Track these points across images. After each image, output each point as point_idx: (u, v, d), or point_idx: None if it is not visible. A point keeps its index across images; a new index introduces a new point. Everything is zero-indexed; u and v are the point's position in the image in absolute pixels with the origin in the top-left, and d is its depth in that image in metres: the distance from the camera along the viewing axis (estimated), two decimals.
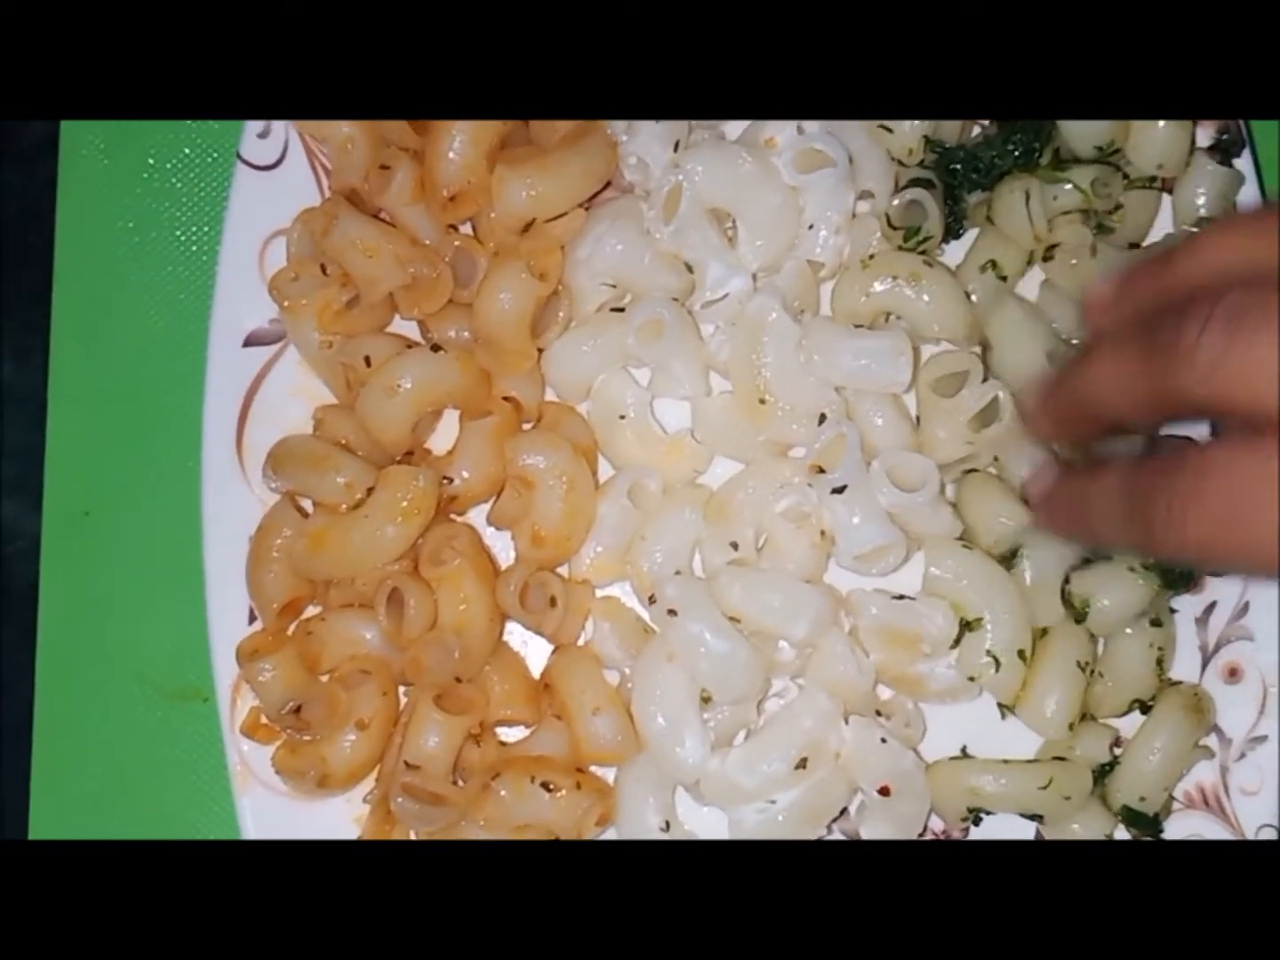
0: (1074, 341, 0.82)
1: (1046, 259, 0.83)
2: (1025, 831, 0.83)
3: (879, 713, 0.82)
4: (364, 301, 0.82)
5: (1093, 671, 0.81)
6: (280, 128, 0.85)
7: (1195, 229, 0.83)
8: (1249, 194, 0.84)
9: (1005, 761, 0.82)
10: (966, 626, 0.80)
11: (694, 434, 0.84)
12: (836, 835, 0.83)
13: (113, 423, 0.90)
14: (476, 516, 0.85)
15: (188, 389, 0.87)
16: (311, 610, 0.85)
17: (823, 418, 0.81)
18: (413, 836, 0.82)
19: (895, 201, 0.83)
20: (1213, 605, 0.84)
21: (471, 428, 0.83)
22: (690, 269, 0.83)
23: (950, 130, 0.84)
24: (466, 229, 0.85)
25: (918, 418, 0.83)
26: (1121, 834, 0.82)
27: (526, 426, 0.85)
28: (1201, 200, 0.83)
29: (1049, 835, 0.83)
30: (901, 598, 0.81)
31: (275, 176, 0.85)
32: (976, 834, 0.83)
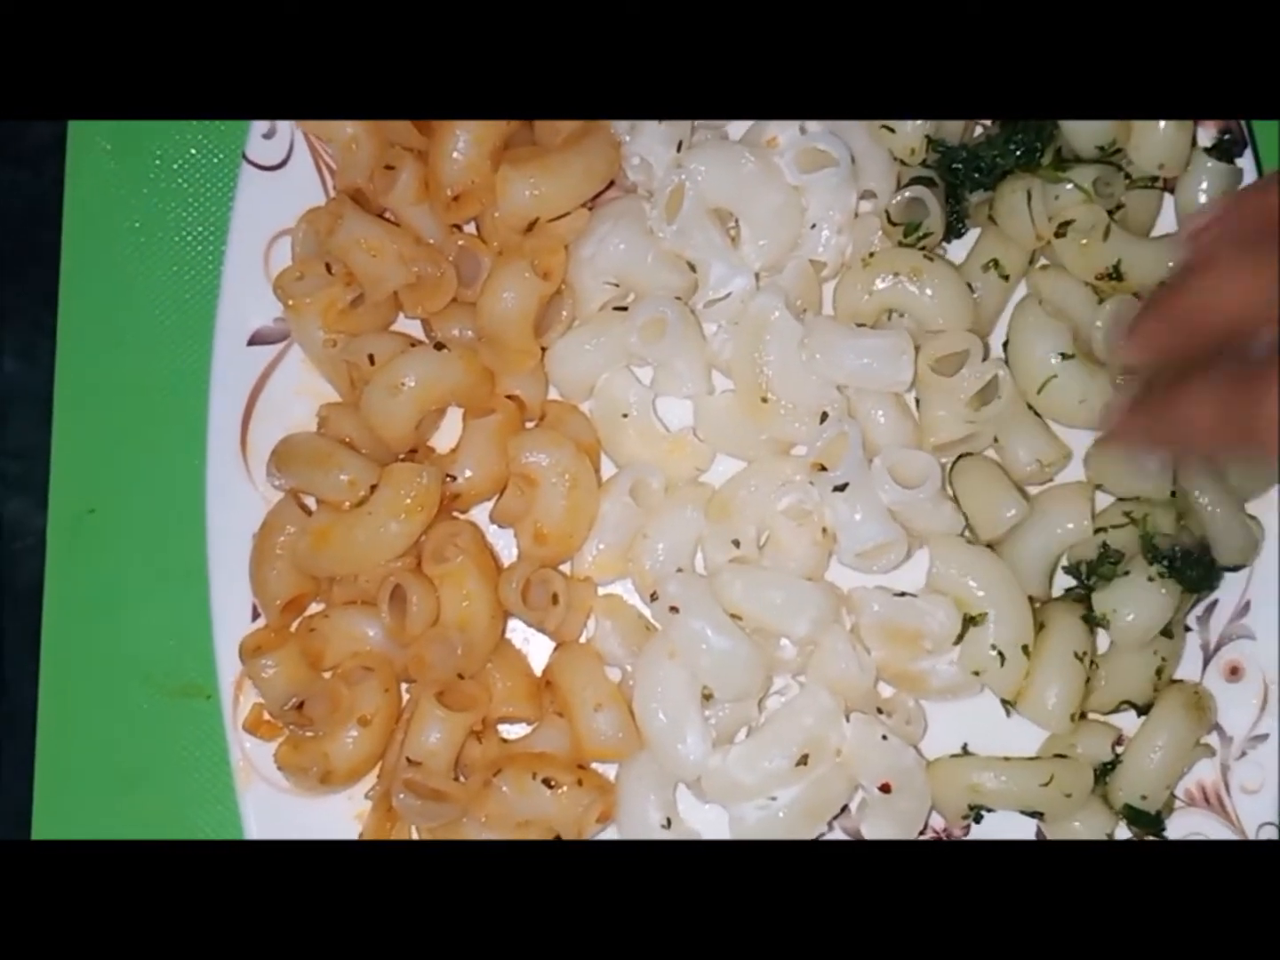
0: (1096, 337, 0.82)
1: (1058, 235, 0.82)
2: (1026, 829, 0.83)
3: (880, 710, 0.82)
4: (368, 300, 0.83)
5: (1091, 662, 0.81)
6: (285, 128, 0.86)
7: None
8: None
9: (1006, 759, 0.82)
10: (970, 621, 0.80)
11: (696, 432, 0.85)
12: (837, 832, 0.83)
13: (118, 420, 0.91)
14: (479, 514, 0.86)
15: (193, 387, 0.88)
16: (314, 607, 0.85)
17: (824, 416, 0.81)
18: (414, 833, 0.82)
19: (896, 198, 0.83)
20: (1214, 604, 0.84)
21: (475, 426, 0.83)
22: (693, 268, 0.83)
23: (953, 130, 0.84)
24: (470, 228, 0.86)
25: (917, 400, 0.83)
26: (1123, 832, 0.82)
27: (529, 425, 0.85)
28: (1203, 199, 0.83)
29: (1050, 833, 0.83)
30: (903, 595, 0.82)
31: (280, 176, 0.86)
32: (977, 831, 0.83)
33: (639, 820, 0.81)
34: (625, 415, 0.84)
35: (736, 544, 0.82)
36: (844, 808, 0.82)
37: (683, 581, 0.81)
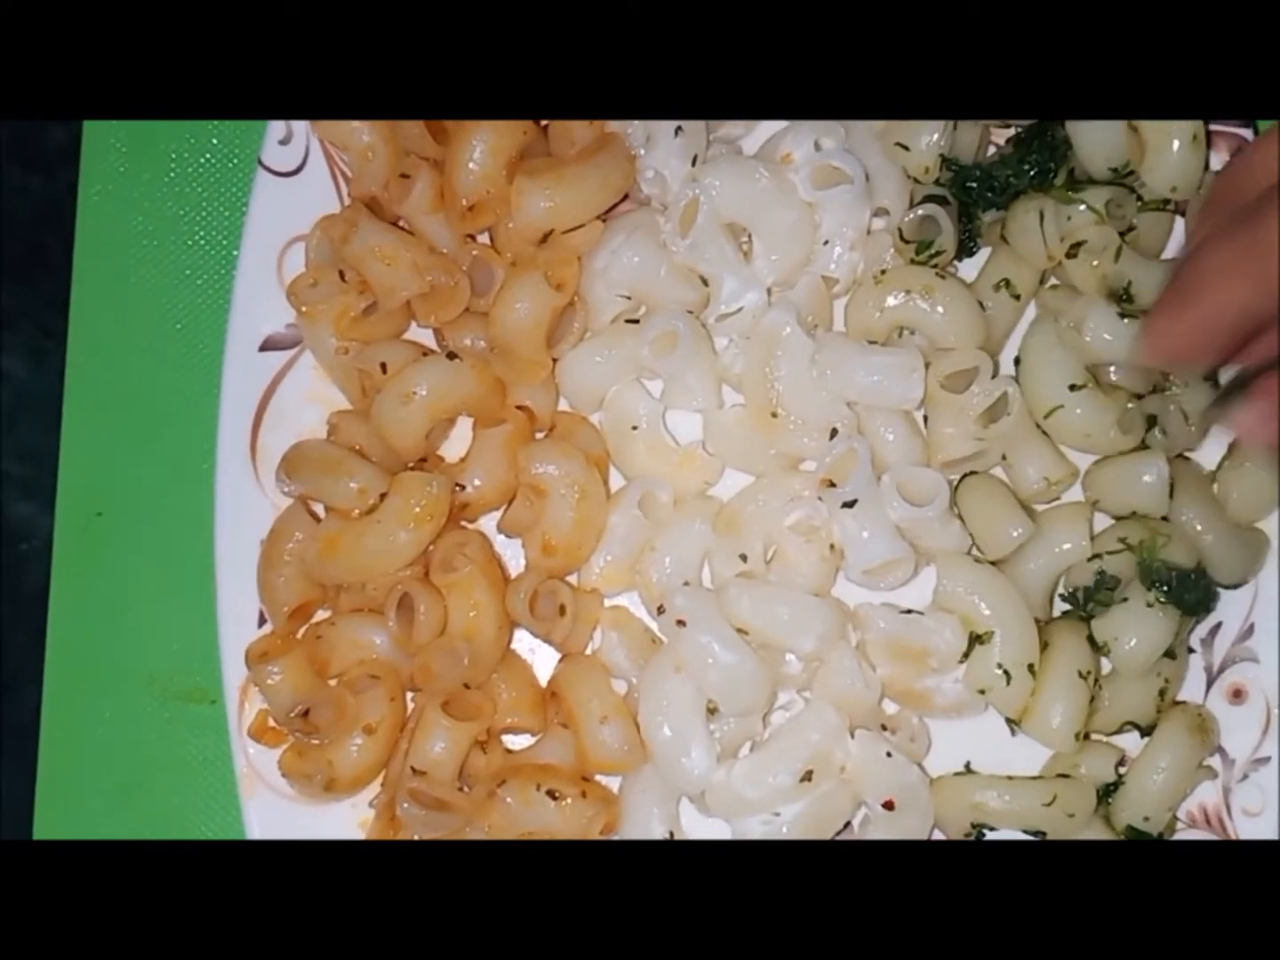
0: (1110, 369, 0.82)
1: (1070, 256, 0.83)
2: None
3: (884, 727, 0.82)
4: (381, 308, 0.83)
5: (1095, 681, 0.81)
6: (301, 135, 0.86)
7: None
8: None
9: (1009, 778, 0.82)
10: (977, 640, 0.80)
11: (706, 446, 0.85)
12: None
13: (127, 424, 0.91)
14: (487, 524, 0.86)
15: (203, 392, 0.88)
16: (321, 614, 0.85)
17: (834, 432, 0.82)
18: None
19: (909, 216, 0.83)
20: (1218, 627, 0.85)
21: (485, 436, 0.83)
22: (705, 282, 0.83)
23: (967, 148, 0.85)
24: (484, 238, 0.86)
25: (925, 416, 0.83)
26: None
27: (539, 435, 0.85)
28: None
29: None
30: (909, 612, 0.82)
31: (296, 183, 0.86)
32: None
33: (642, 833, 0.81)
34: (635, 427, 0.85)
35: (744, 558, 0.82)
36: (847, 824, 0.82)
37: (690, 595, 0.81)
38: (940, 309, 0.82)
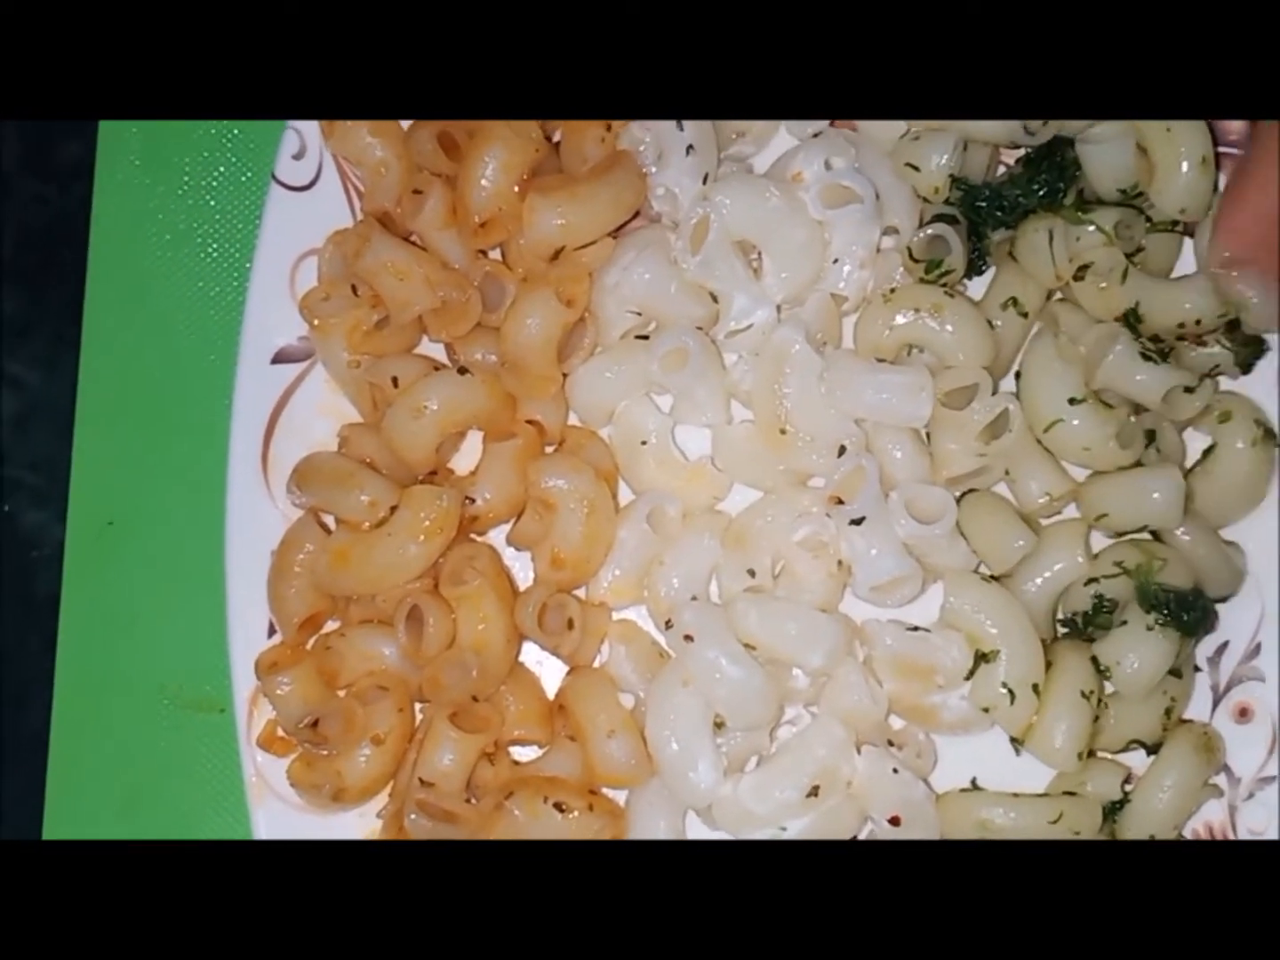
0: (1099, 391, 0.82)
1: (1077, 278, 0.83)
2: None
3: (891, 743, 0.83)
4: (393, 323, 0.84)
5: (1100, 701, 0.82)
6: (315, 149, 0.87)
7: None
8: None
9: (1015, 795, 0.82)
10: (982, 658, 0.81)
11: (714, 461, 0.85)
12: None
13: (139, 434, 0.92)
14: (496, 536, 0.86)
15: (215, 403, 0.89)
16: (331, 625, 0.86)
17: (842, 449, 0.82)
18: None
19: (918, 235, 0.84)
20: (1225, 645, 0.85)
21: (495, 449, 0.84)
22: (716, 299, 0.84)
23: (976, 169, 0.85)
24: (496, 254, 0.86)
25: (928, 433, 0.84)
26: None
27: (549, 450, 0.86)
28: None
29: None
30: (916, 629, 0.82)
31: (309, 197, 0.87)
32: None
33: None
34: (644, 442, 0.85)
35: (752, 573, 0.83)
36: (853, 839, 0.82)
37: (698, 610, 0.81)
38: (949, 327, 0.82)
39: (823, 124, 0.86)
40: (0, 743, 0.91)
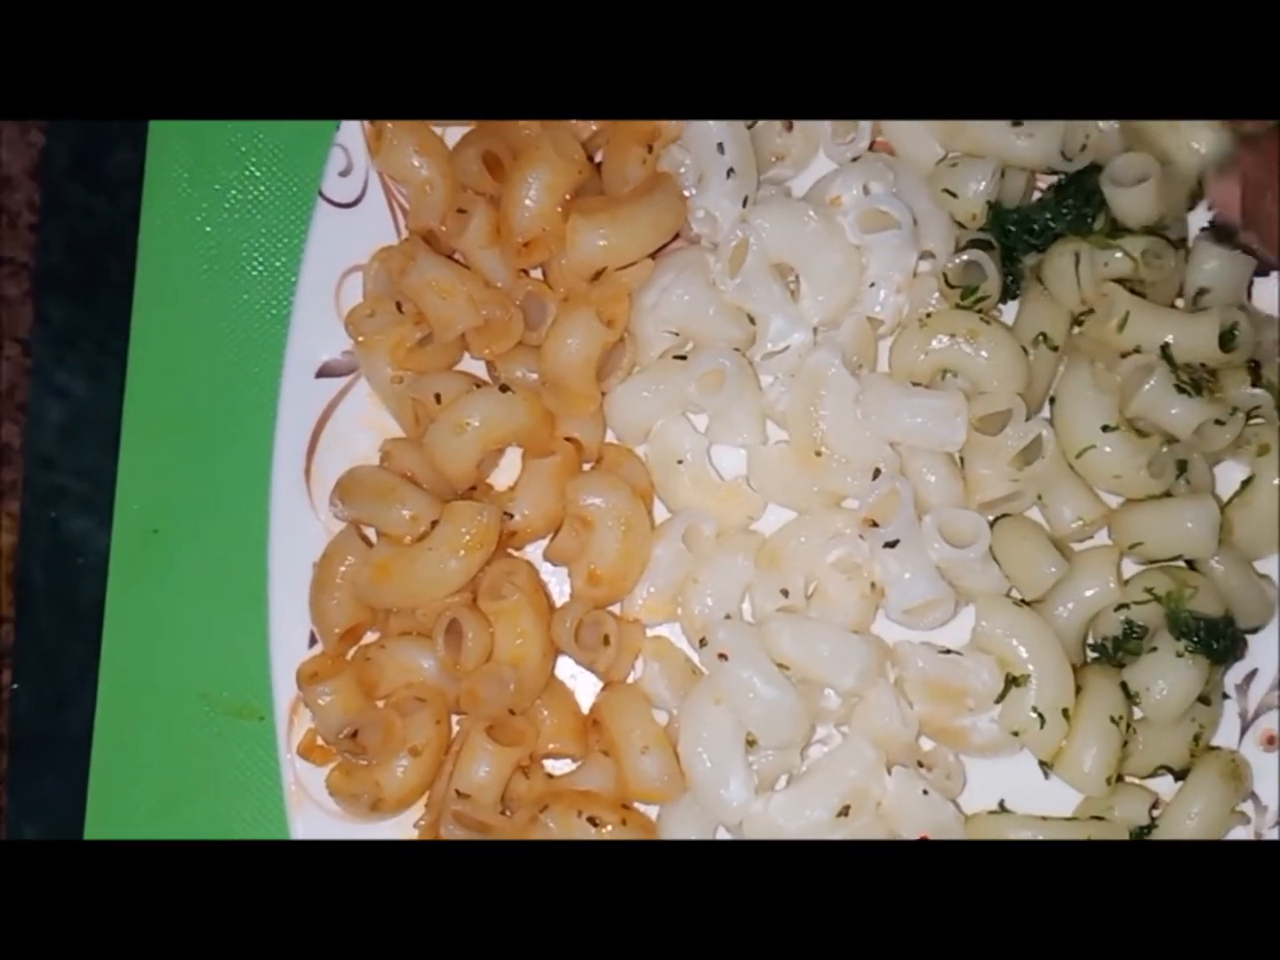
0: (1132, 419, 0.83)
1: (1078, 323, 0.85)
2: None
3: (921, 764, 0.84)
4: (437, 340, 0.85)
5: (1129, 727, 0.82)
6: (361, 167, 0.88)
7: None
8: None
9: (1043, 818, 0.83)
10: (1013, 682, 0.81)
11: (749, 481, 0.86)
12: None
13: (185, 444, 0.93)
14: (534, 552, 0.88)
15: (259, 415, 0.90)
16: (371, 637, 0.87)
17: (877, 472, 0.83)
18: None
19: (954, 261, 0.84)
20: (1254, 673, 0.86)
21: (534, 466, 0.85)
22: (753, 320, 0.85)
23: (1012, 195, 0.86)
24: (538, 274, 0.88)
25: (961, 458, 0.84)
26: None
27: (587, 467, 0.87)
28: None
29: None
30: (948, 652, 0.83)
31: (354, 214, 0.88)
32: None
33: None
34: (680, 461, 0.86)
35: (785, 593, 0.83)
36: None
37: (732, 629, 0.82)
38: (984, 353, 0.83)
39: (861, 148, 0.87)
40: (43, 746, 0.93)
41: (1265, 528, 0.84)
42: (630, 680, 0.86)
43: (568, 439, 0.86)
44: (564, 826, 0.81)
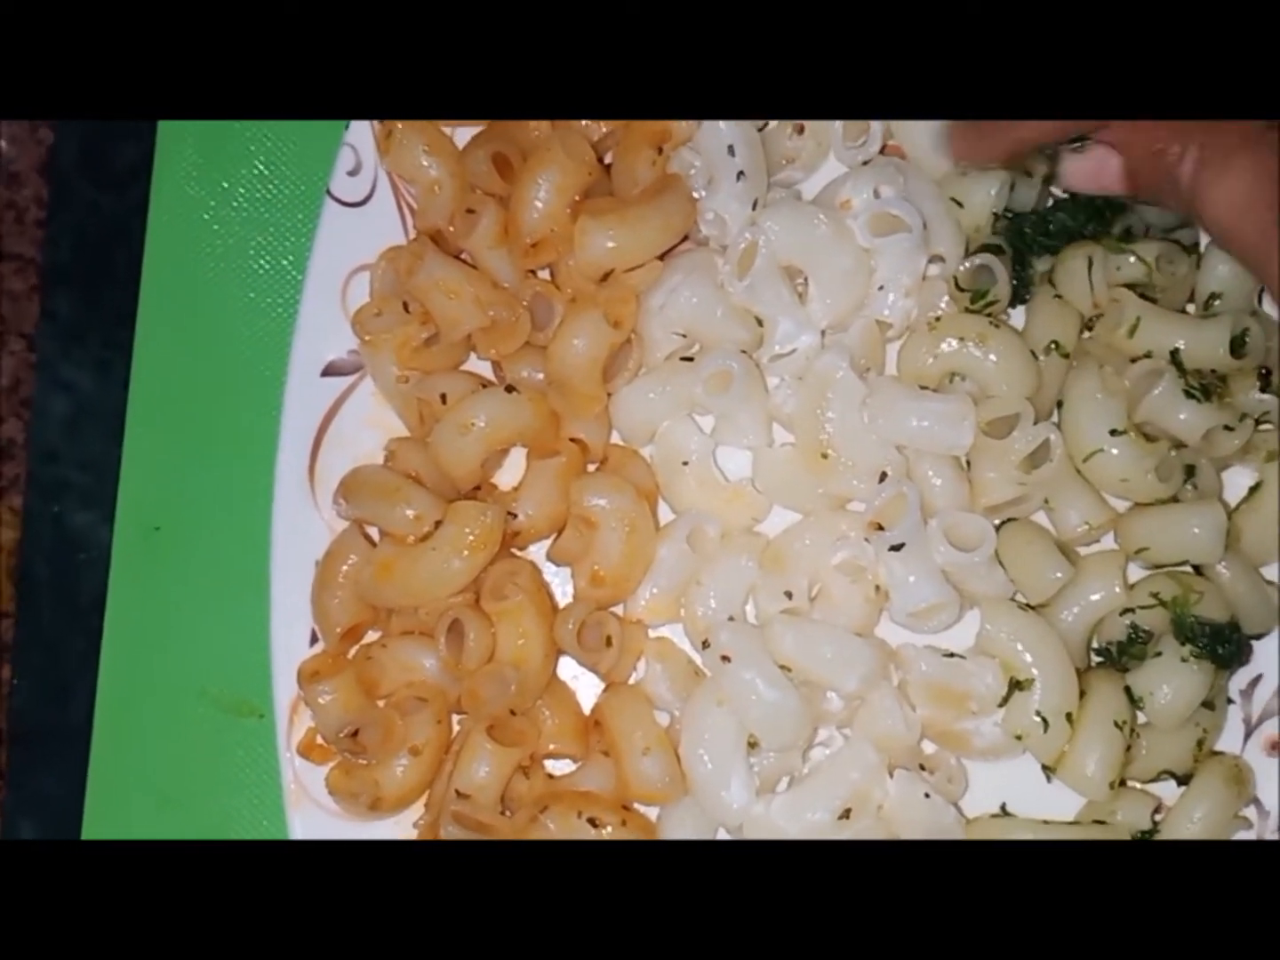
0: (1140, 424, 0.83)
1: (1087, 328, 0.85)
2: None
3: (923, 767, 0.83)
4: (443, 340, 0.85)
5: (1132, 731, 0.82)
6: (370, 166, 0.88)
7: None
8: None
9: (1045, 822, 0.83)
10: (1017, 686, 0.81)
11: (755, 483, 0.86)
12: None
13: (189, 440, 0.93)
14: (537, 552, 0.87)
15: (264, 413, 0.90)
16: (372, 636, 0.87)
17: (883, 475, 0.83)
18: None
19: (964, 265, 0.84)
20: (1258, 679, 0.85)
21: (538, 467, 0.85)
22: (760, 323, 0.85)
23: (1023, 204, 0.86)
24: (545, 274, 0.87)
25: (968, 461, 0.84)
26: None
27: (591, 468, 0.87)
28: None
29: None
30: (951, 655, 0.83)
31: (362, 213, 0.88)
32: None
33: None
34: (685, 463, 0.86)
35: (789, 595, 0.83)
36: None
37: (735, 631, 0.82)
38: (993, 357, 0.83)
39: (872, 151, 0.87)
40: (42, 742, 0.93)
41: (1272, 534, 0.84)
42: (632, 681, 0.86)
43: (573, 440, 0.85)
44: (564, 827, 0.81)
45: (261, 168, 0.94)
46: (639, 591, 0.85)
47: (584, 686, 0.87)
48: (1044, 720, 0.81)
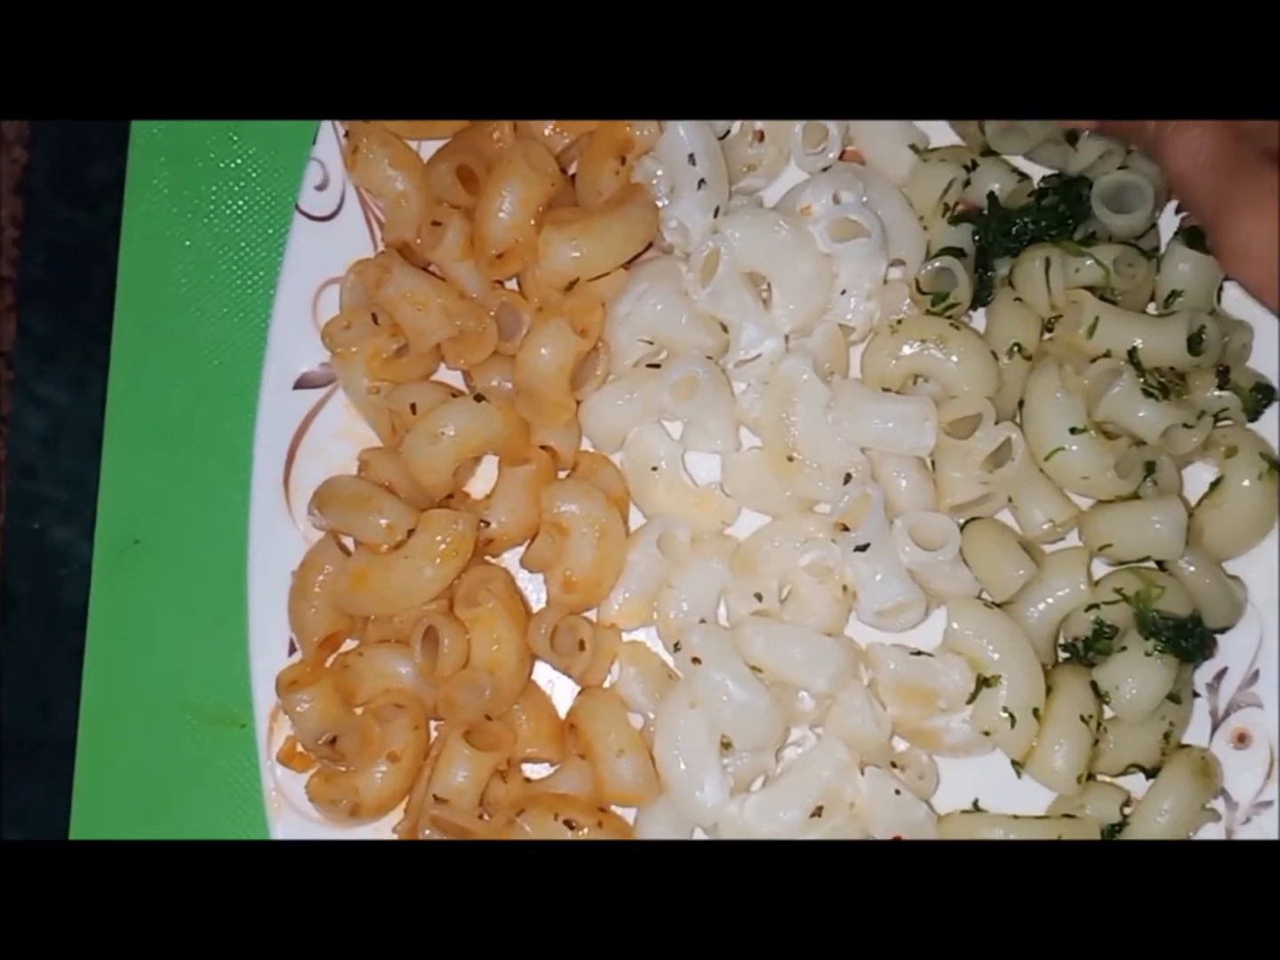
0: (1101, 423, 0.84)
1: (1048, 330, 0.86)
2: None
3: (894, 764, 0.85)
4: (412, 351, 0.86)
5: (1099, 725, 0.83)
6: (337, 181, 0.89)
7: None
8: None
9: (1015, 817, 0.84)
10: (984, 683, 0.82)
11: (723, 487, 0.87)
12: None
13: (165, 455, 0.94)
14: (510, 559, 0.89)
15: (239, 426, 0.91)
16: (349, 644, 0.88)
17: (848, 477, 0.84)
18: None
19: (925, 268, 0.85)
20: (1224, 672, 0.86)
21: (510, 474, 0.86)
22: (725, 329, 0.86)
23: (1001, 183, 0.86)
24: (512, 284, 0.89)
25: (933, 461, 0.85)
26: None
27: (562, 475, 0.88)
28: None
29: None
30: (919, 653, 0.84)
31: (331, 227, 0.89)
32: None
33: None
34: (655, 468, 0.87)
35: (759, 597, 0.84)
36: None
37: (706, 633, 0.83)
38: (954, 358, 0.84)
39: (832, 158, 0.88)
40: (27, 754, 0.94)
41: (1234, 529, 0.85)
42: (606, 685, 0.87)
43: (543, 447, 0.87)
44: (541, 829, 0.82)
45: (232, 184, 0.95)
46: (611, 596, 0.86)
47: (559, 691, 0.88)
48: (1011, 716, 0.82)
